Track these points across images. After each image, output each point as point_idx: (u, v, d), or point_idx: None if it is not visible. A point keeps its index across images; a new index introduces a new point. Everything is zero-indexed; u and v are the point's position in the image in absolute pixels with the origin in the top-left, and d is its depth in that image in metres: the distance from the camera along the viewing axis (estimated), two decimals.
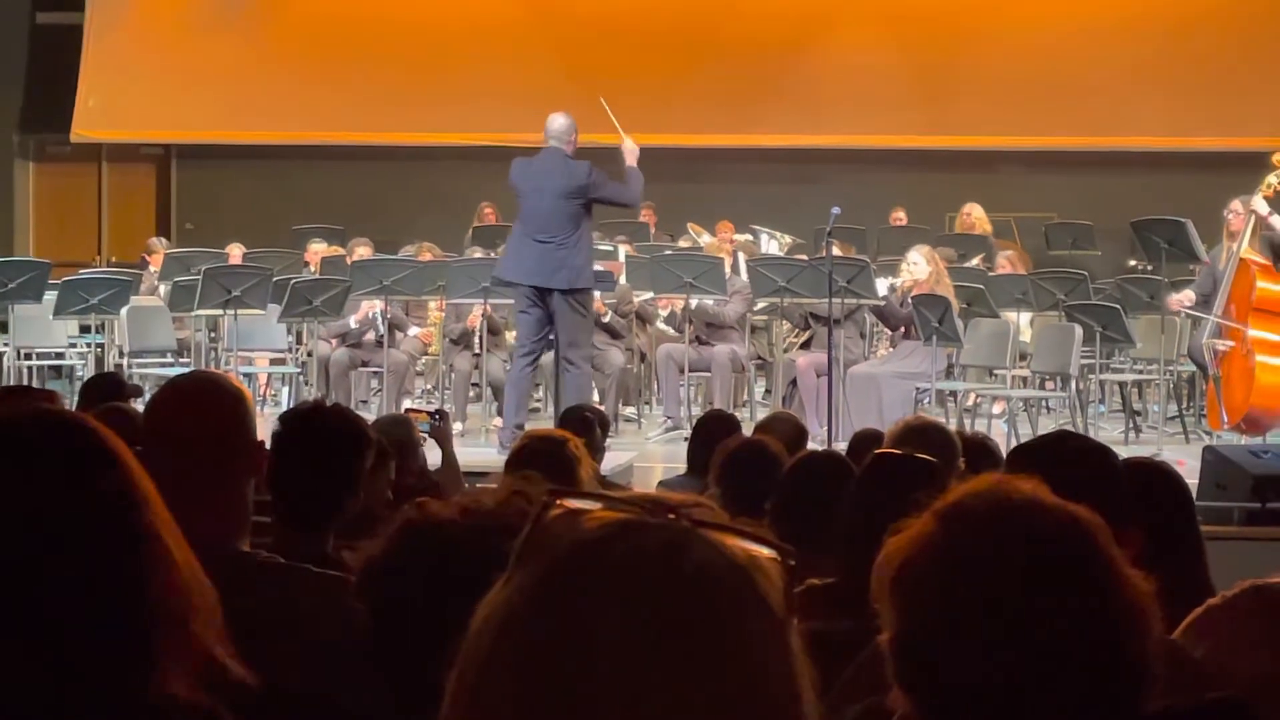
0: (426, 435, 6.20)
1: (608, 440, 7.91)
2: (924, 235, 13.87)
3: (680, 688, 1.06)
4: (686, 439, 7.61)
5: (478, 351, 12.08)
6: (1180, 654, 2.73)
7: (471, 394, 12.46)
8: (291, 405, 10.52)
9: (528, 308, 10.30)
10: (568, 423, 6.68)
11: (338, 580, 2.67)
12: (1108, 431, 11.70)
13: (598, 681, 1.06)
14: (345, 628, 1.85)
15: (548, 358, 10.72)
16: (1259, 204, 10.76)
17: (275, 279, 12.10)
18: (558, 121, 10.42)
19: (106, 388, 6.85)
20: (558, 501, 1.16)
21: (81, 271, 13.64)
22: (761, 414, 11.97)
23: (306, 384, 12.69)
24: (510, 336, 12.47)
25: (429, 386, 13.39)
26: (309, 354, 12.83)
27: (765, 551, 1.14)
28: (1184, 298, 11.28)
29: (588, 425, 6.52)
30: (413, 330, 12.86)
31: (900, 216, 16.08)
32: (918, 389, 11.22)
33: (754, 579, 1.11)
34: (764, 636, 1.10)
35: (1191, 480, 6.37)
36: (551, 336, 10.34)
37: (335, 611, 1.93)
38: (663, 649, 1.06)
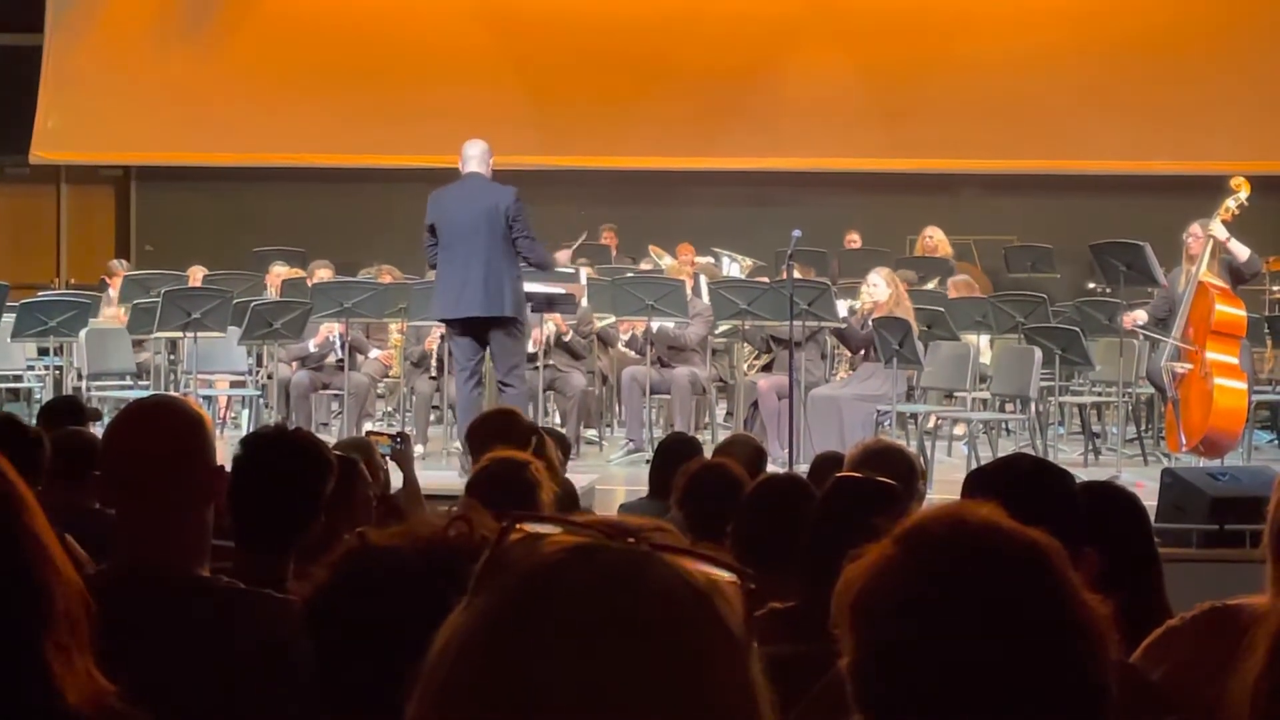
0: (388, 458, 6.18)
1: (569, 462, 7.89)
2: (884, 258, 13.90)
3: (638, 712, 1.06)
4: (648, 461, 7.61)
5: (434, 375, 12.06)
6: (1138, 677, 2.75)
7: (433, 416, 12.43)
8: (252, 428, 10.50)
9: (462, 332, 10.33)
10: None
11: (297, 605, 2.67)
12: (1067, 454, 11.74)
13: (554, 706, 1.06)
14: (302, 653, 1.85)
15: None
16: (1217, 228, 10.83)
17: (235, 301, 12.06)
18: (477, 146, 10.52)
19: (65, 411, 6.82)
20: (517, 525, 1.16)
21: (40, 294, 13.58)
22: (723, 436, 11.99)
23: (267, 407, 12.64)
24: None
25: (390, 409, 13.36)
26: (269, 377, 12.79)
27: (725, 575, 1.15)
28: (1137, 316, 11.36)
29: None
30: (373, 352, 12.83)
31: (854, 238, 16.13)
32: (878, 411, 11.24)
33: (713, 603, 1.11)
34: (723, 661, 1.10)
35: (1150, 502, 6.40)
36: (488, 357, 10.37)
37: (293, 637, 1.93)
38: (621, 673, 1.07)
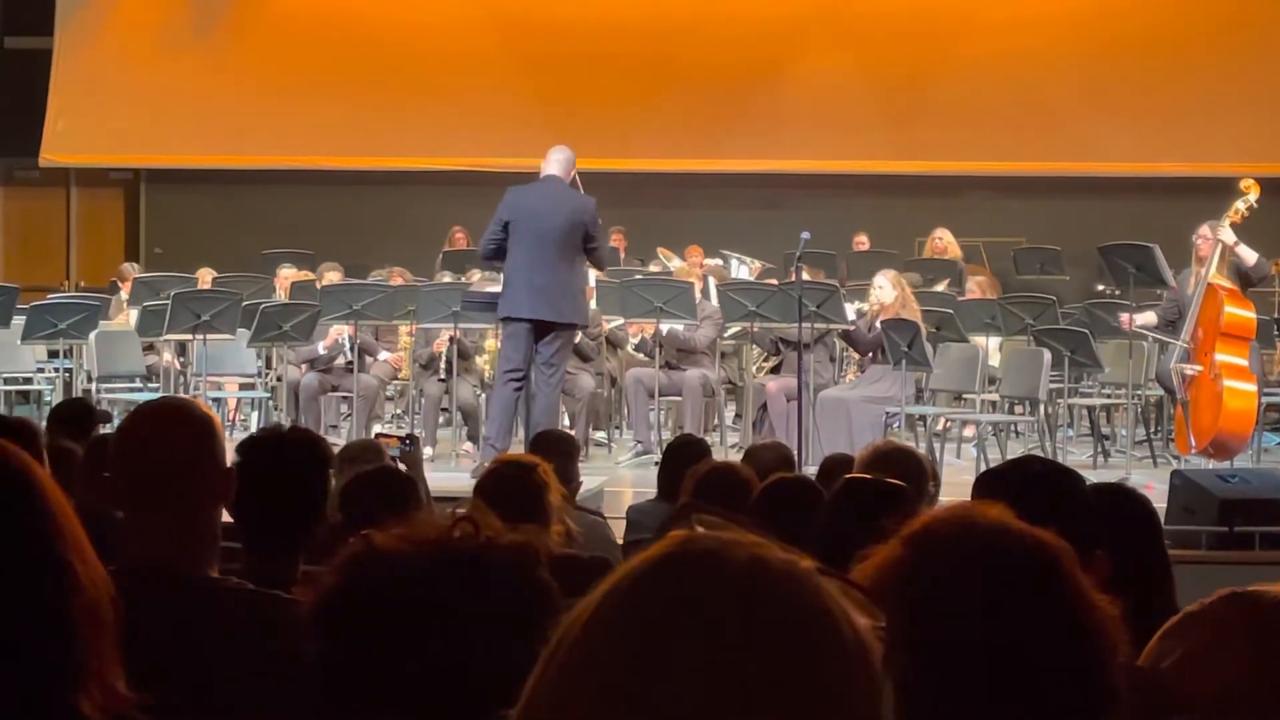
0: (397, 460, 6.19)
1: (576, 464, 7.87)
2: (892, 260, 13.89)
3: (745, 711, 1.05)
4: (656, 464, 7.60)
5: (443, 377, 12.05)
6: (1146, 679, 2.74)
7: (441, 419, 12.43)
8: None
9: (520, 330, 10.22)
10: (539, 447, 6.67)
11: (303, 607, 2.66)
12: (1076, 456, 11.72)
13: (670, 682, 1.05)
14: (308, 655, 1.85)
15: None
16: (1226, 232, 10.82)
17: (245, 304, 12.06)
18: (563, 151, 10.41)
19: (75, 414, 6.83)
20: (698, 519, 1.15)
21: (50, 296, 13.59)
22: (732, 439, 12.00)
23: (276, 409, 12.65)
24: (480, 361, 12.45)
25: (399, 411, 13.36)
26: (278, 379, 12.80)
27: (869, 623, 1.13)
28: (1138, 316, 11.35)
29: (562, 450, 6.51)
30: (383, 355, 12.83)
31: (862, 240, 16.13)
32: (887, 413, 11.23)
33: (866, 650, 1.11)
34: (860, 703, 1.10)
35: (1160, 504, 6.39)
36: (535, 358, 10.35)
37: (299, 638, 1.93)
38: (744, 675, 1.06)
